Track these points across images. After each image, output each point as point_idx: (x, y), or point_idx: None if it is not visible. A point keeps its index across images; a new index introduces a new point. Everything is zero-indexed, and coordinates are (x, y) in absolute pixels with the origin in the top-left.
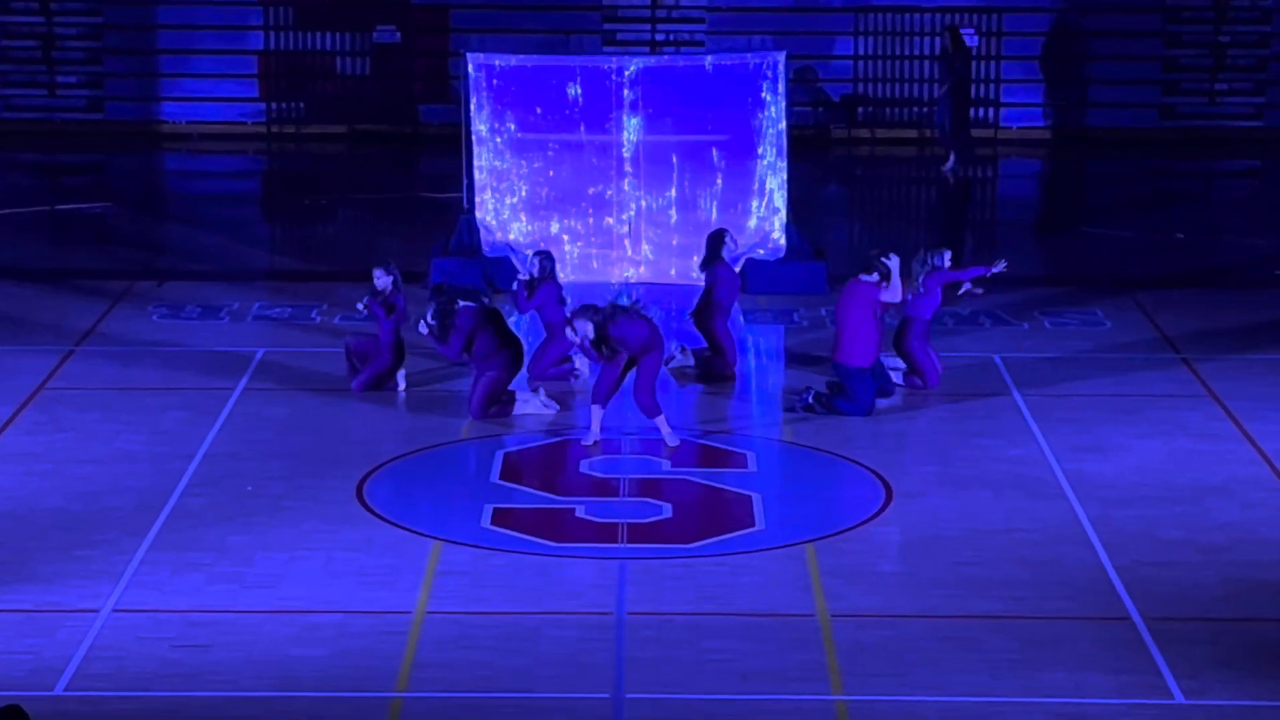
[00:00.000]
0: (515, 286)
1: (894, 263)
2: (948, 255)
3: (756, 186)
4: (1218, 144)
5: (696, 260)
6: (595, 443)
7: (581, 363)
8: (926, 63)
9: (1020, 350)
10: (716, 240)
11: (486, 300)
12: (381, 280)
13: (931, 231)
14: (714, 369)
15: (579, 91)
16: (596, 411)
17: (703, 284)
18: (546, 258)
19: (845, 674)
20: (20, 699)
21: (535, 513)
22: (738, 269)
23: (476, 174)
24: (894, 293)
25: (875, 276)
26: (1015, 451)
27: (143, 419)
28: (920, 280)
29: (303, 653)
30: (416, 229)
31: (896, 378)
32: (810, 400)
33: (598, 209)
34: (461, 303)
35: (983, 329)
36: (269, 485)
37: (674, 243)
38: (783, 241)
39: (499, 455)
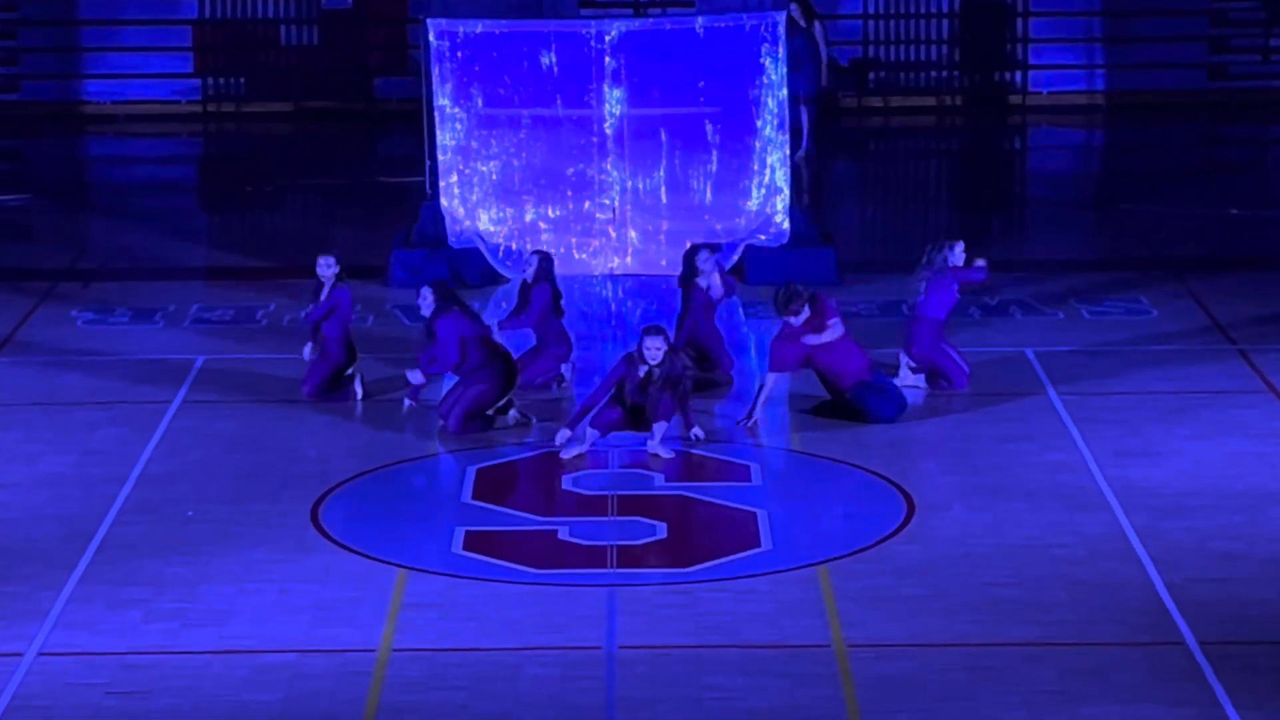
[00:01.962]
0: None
1: (957, 249)
2: (959, 248)
3: (756, 164)
4: (1273, 107)
5: (688, 246)
6: (582, 455)
7: (569, 370)
8: (945, 21)
9: (1056, 343)
10: (690, 257)
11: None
12: (332, 269)
13: (953, 211)
14: (709, 378)
15: (554, 60)
16: (592, 434)
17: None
18: (546, 259)
19: (864, 711)
20: None
21: (513, 536)
22: (736, 257)
23: (440, 155)
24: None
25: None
26: (1052, 457)
27: (69, 437)
28: (923, 282)
29: (254, 697)
30: (374, 218)
31: (912, 378)
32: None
33: (578, 192)
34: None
35: (1013, 320)
36: (213, 510)
37: (664, 229)
38: (786, 225)
39: (471, 472)
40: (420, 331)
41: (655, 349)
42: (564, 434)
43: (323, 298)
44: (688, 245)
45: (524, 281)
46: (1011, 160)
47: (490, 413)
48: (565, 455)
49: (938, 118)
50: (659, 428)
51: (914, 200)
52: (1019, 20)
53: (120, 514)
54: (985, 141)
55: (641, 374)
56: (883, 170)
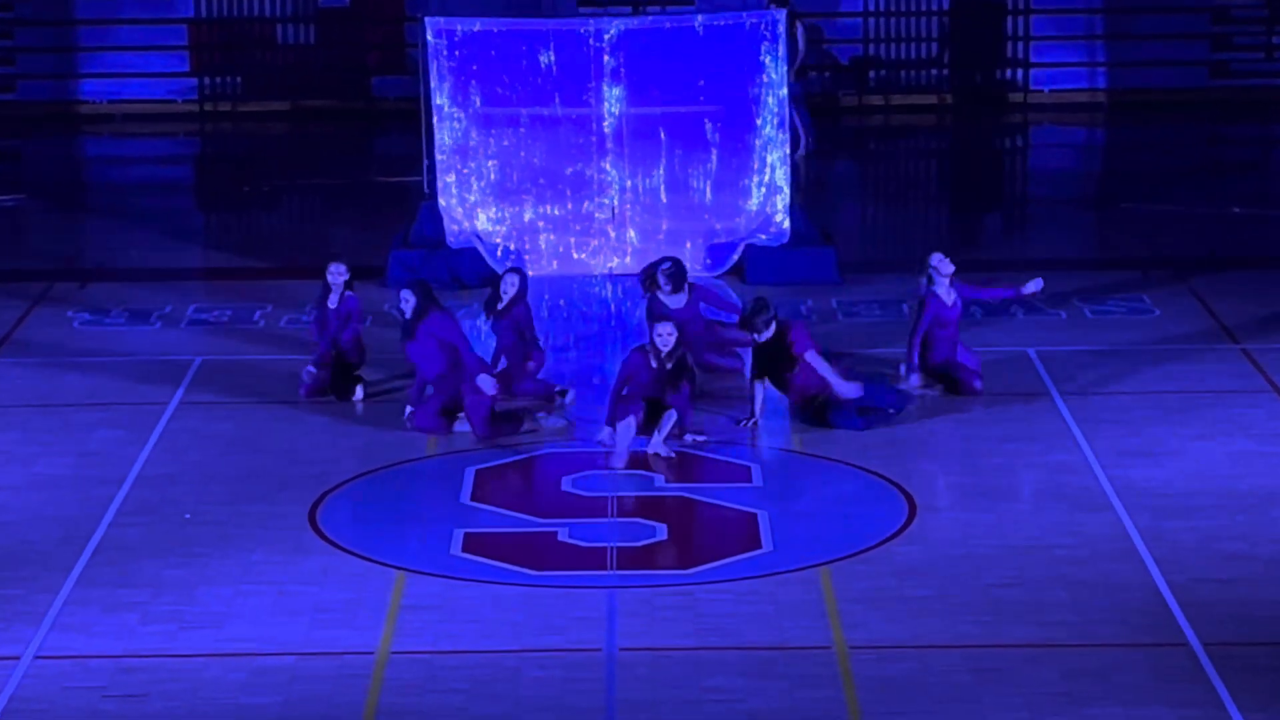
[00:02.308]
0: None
1: (938, 261)
2: (936, 258)
3: (756, 163)
4: (1275, 105)
5: (688, 246)
6: (617, 457)
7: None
8: (946, 19)
9: (1058, 343)
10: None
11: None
12: (343, 276)
13: (954, 210)
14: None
15: (553, 58)
16: (629, 424)
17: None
18: (525, 277)
19: (866, 713)
20: None
21: (512, 537)
22: (736, 256)
23: (438, 155)
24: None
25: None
26: (1054, 458)
27: (66, 438)
28: (922, 294)
29: (252, 700)
30: (371, 218)
31: (917, 383)
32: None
33: (576, 192)
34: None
35: (1015, 320)
36: (211, 511)
37: (663, 228)
38: (786, 225)
39: (469, 473)
40: (400, 333)
41: (668, 335)
42: (606, 431)
43: (332, 305)
44: (685, 245)
45: (498, 298)
46: (1013, 159)
47: (513, 409)
48: (617, 464)
49: (939, 116)
50: (667, 418)
51: (915, 199)
52: (1020, 18)
53: (117, 516)
54: (986, 140)
55: (655, 364)
56: (883, 169)
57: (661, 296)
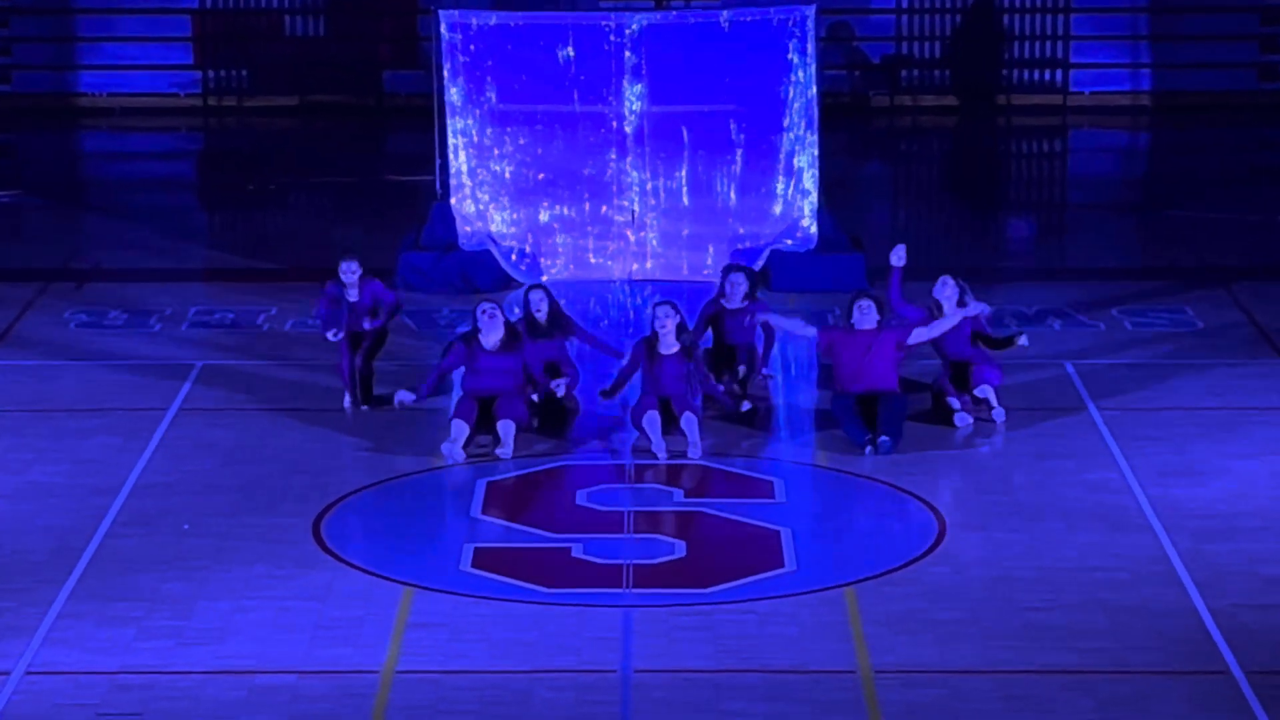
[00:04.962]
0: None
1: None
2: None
3: (782, 165)
4: None
5: (711, 250)
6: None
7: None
8: (981, 17)
9: (1096, 356)
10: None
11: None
12: (356, 274)
13: (989, 215)
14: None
15: (572, 54)
16: (654, 419)
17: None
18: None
19: None
20: None
21: (524, 553)
22: (761, 262)
23: (451, 153)
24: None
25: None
26: (1092, 476)
27: (60, 445)
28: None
29: None
30: (382, 218)
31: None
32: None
33: (595, 193)
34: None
35: (1051, 331)
36: (210, 523)
37: (684, 233)
38: (814, 229)
39: (481, 485)
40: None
41: (665, 318)
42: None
43: (352, 299)
44: (708, 249)
45: (533, 319)
46: (1052, 163)
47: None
48: (662, 455)
49: (973, 117)
50: (688, 423)
51: (948, 203)
52: (1061, 17)
53: (113, 526)
54: (1024, 143)
55: (660, 350)
56: (916, 171)
57: (724, 303)
